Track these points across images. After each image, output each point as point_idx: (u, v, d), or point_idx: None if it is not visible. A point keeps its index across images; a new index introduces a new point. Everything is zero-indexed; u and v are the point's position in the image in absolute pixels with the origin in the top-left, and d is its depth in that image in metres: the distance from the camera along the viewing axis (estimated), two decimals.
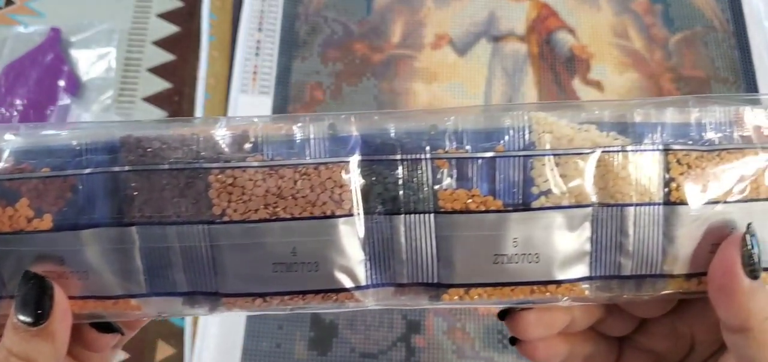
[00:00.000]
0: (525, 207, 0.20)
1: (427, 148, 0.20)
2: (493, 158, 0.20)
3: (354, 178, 0.20)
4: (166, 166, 0.20)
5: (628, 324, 0.25)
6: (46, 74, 0.51)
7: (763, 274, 0.20)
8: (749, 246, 0.20)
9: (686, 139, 0.20)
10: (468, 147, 0.20)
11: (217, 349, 0.42)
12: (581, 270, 0.21)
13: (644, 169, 0.20)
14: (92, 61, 0.53)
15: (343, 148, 0.20)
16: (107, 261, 0.20)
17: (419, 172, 0.20)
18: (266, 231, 0.20)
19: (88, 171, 0.20)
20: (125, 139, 0.20)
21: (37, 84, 0.51)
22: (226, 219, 0.20)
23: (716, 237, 0.21)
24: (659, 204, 0.20)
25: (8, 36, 0.53)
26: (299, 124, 0.21)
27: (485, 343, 0.43)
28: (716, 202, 0.20)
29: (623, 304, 0.24)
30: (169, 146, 0.20)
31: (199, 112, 0.50)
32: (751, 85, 0.52)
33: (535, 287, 0.21)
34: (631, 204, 0.20)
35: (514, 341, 0.24)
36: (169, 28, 0.54)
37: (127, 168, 0.20)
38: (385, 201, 0.20)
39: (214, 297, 0.21)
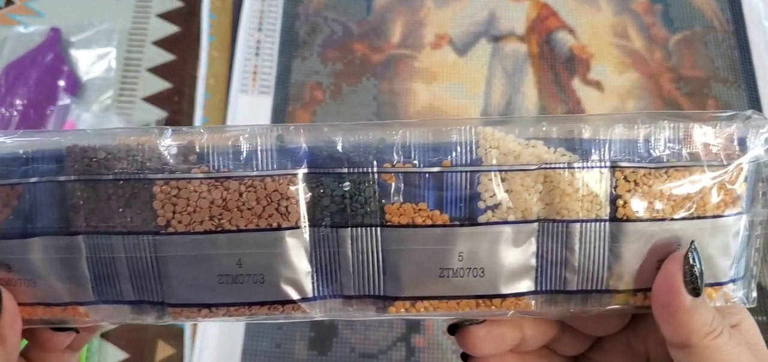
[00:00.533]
0: (471, 222, 0.20)
1: (375, 162, 0.20)
2: (440, 173, 0.20)
3: (301, 191, 0.20)
4: (111, 176, 0.20)
5: (582, 343, 0.25)
6: (46, 74, 0.51)
7: (706, 290, 0.20)
8: (692, 264, 0.20)
9: (634, 156, 0.21)
10: (415, 161, 0.20)
11: (217, 349, 0.42)
12: (527, 284, 0.21)
13: (591, 185, 0.20)
14: (92, 61, 0.53)
15: (291, 160, 0.20)
16: (54, 269, 0.21)
17: (366, 185, 0.20)
18: (211, 243, 0.20)
19: (34, 179, 0.20)
20: (71, 148, 0.20)
21: (37, 84, 0.51)
22: (171, 230, 0.20)
23: (661, 254, 0.21)
24: (606, 220, 0.21)
25: (8, 36, 0.53)
26: (246, 135, 0.20)
27: None
28: (662, 219, 0.21)
29: (576, 323, 0.24)
30: (114, 156, 0.20)
31: (199, 111, 0.50)
32: (751, 85, 0.52)
33: (480, 300, 0.21)
34: (576, 221, 0.20)
35: (465, 358, 0.24)
36: (169, 28, 0.54)
37: (73, 177, 0.20)
38: (332, 214, 0.21)
39: (160, 306, 0.21)
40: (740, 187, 0.21)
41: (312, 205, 0.20)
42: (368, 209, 0.20)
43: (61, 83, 0.51)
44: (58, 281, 0.21)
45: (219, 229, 0.20)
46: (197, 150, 0.20)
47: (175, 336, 0.43)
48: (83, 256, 0.21)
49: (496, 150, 0.20)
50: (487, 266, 0.21)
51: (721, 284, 0.21)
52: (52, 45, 0.52)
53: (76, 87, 0.51)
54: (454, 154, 0.20)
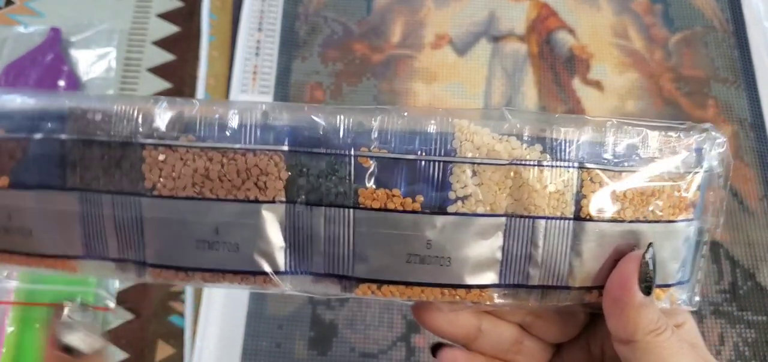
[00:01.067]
0: (441, 211, 0.21)
1: (352, 145, 0.21)
2: (414, 160, 0.21)
3: (280, 168, 0.21)
4: (105, 138, 0.21)
5: (543, 352, 0.26)
6: (46, 74, 0.51)
7: (655, 290, 0.21)
8: (647, 264, 0.21)
9: (600, 158, 0.21)
10: (392, 147, 0.21)
11: (217, 349, 0.43)
12: (491, 277, 0.22)
13: (558, 184, 0.21)
14: (92, 61, 0.53)
15: (273, 137, 0.21)
16: (50, 222, 0.22)
17: (343, 167, 0.21)
18: (192, 209, 0.21)
19: (38, 136, 0.21)
20: (73, 109, 0.21)
21: (37, 84, 0.51)
22: (155, 193, 0.21)
23: (619, 254, 0.22)
24: (570, 219, 0.21)
25: (8, 36, 0.53)
26: (233, 110, 0.21)
27: None
28: (622, 221, 0.21)
29: (536, 329, 0.25)
30: (110, 119, 0.21)
31: None
32: (751, 85, 0.52)
33: (445, 289, 0.22)
34: (542, 217, 0.21)
35: (434, 352, 0.25)
36: (169, 28, 0.54)
37: (73, 136, 0.21)
38: (308, 192, 0.21)
39: (141, 265, 0.22)
40: (693, 195, 0.22)
41: (289, 182, 0.21)
42: (342, 190, 0.21)
43: (62, 83, 0.51)
44: (52, 233, 0.22)
45: (200, 196, 0.21)
46: (187, 119, 0.21)
47: (175, 336, 0.43)
48: (76, 212, 0.22)
49: (470, 142, 0.21)
50: (453, 256, 0.21)
51: (668, 286, 0.22)
52: (52, 45, 0.52)
53: (76, 87, 0.51)
54: (429, 143, 0.21)
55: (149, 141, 0.21)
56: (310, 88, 0.51)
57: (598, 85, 0.52)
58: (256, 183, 0.21)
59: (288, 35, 0.53)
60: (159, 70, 0.53)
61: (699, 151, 0.22)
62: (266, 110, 0.21)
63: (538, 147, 0.21)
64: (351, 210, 0.21)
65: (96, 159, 0.21)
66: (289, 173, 0.21)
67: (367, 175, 0.21)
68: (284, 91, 0.51)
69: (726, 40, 0.54)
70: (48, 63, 0.51)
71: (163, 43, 0.54)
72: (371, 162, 0.21)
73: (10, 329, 0.42)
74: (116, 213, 0.21)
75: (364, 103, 0.50)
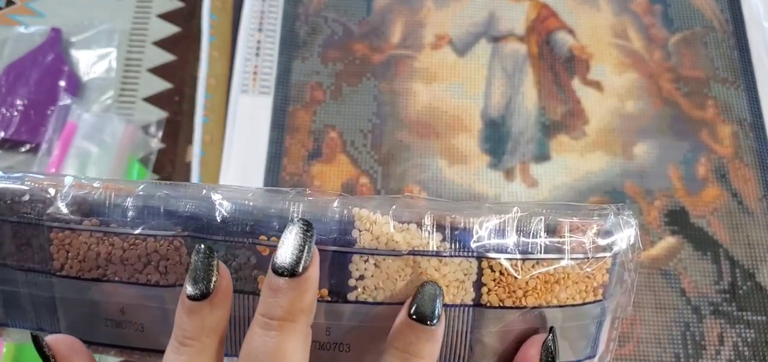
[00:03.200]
0: (342, 299, 0.21)
1: (252, 233, 0.21)
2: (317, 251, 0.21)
3: (181, 253, 0.21)
4: (15, 219, 0.22)
5: None
6: (46, 74, 0.51)
7: None
8: (549, 348, 0.21)
9: (501, 247, 0.21)
10: None
11: None
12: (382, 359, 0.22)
13: (457, 273, 0.21)
14: (93, 62, 0.53)
15: (173, 222, 0.21)
16: None
17: (241, 254, 0.21)
18: (98, 290, 0.22)
19: None
20: None
21: (38, 84, 0.51)
22: (64, 273, 0.22)
23: (522, 336, 0.22)
24: (470, 306, 0.21)
25: (9, 36, 0.53)
26: (134, 196, 0.22)
27: None
28: (524, 307, 0.22)
29: None
30: (19, 200, 0.22)
31: (199, 112, 0.50)
32: (750, 85, 0.52)
33: None
34: (442, 305, 0.21)
35: None
36: (170, 29, 0.54)
37: None
38: None
39: (56, 334, 0.23)
40: (602, 278, 0.22)
41: (188, 267, 0.22)
42: (241, 276, 0.21)
43: (62, 83, 0.51)
44: None
45: (105, 278, 0.22)
46: (90, 202, 0.22)
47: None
48: None
49: (368, 233, 0.21)
50: (353, 342, 0.22)
51: (578, 361, 0.23)
52: (53, 45, 0.52)
53: (76, 87, 0.51)
54: (330, 232, 0.21)
55: (55, 224, 0.22)
56: (311, 88, 0.51)
57: (597, 85, 0.52)
58: (156, 268, 0.21)
59: (288, 35, 0.53)
60: (159, 71, 0.53)
61: (609, 233, 0.22)
62: (167, 194, 0.22)
63: (438, 236, 0.21)
64: (251, 296, 0.21)
65: (9, 237, 0.22)
66: (189, 258, 0.21)
67: (266, 263, 0.21)
68: (285, 91, 0.51)
69: (725, 41, 0.54)
70: (48, 63, 0.51)
71: (164, 44, 0.54)
72: (269, 250, 0.21)
73: None
74: (31, 289, 0.22)
75: (364, 103, 0.51)
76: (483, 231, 0.21)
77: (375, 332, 0.21)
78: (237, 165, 0.48)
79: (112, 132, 0.48)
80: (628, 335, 0.44)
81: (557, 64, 0.52)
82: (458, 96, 0.51)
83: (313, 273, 0.20)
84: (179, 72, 0.53)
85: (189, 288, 0.20)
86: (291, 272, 0.19)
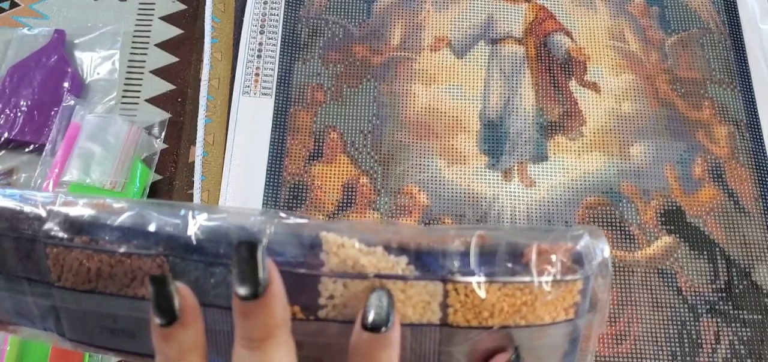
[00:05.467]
0: (314, 316, 0.22)
1: (226, 254, 0.22)
2: (287, 272, 0.22)
3: (164, 269, 0.23)
4: (15, 235, 0.24)
5: None
6: (50, 76, 0.52)
7: None
8: None
9: (466, 269, 0.22)
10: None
11: None
12: None
13: (423, 295, 0.22)
14: (96, 63, 0.53)
15: (153, 243, 0.23)
16: None
17: (218, 273, 0.22)
18: (91, 301, 0.23)
19: None
20: None
21: (42, 85, 0.51)
22: (60, 285, 0.23)
23: (490, 354, 0.22)
24: (437, 325, 0.22)
25: (12, 38, 0.53)
26: (119, 215, 0.23)
27: None
28: (491, 327, 0.22)
29: None
30: (18, 217, 0.24)
31: (201, 113, 0.51)
32: (746, 86, 0.53)
33: None
34: (409, 324, 0.22)
35: None
36: (172, 31, 0.55)
37: None
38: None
39: (62, 336, 0.25)
40: (574, 298, 0.22)
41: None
42: (218, 293, 0.22)
43: (66, 85, 0.51)
44: None
45: (97, 291, 0.23)
46: (81, 221, 0.23)
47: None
48: (5, 288, 0.24)
49: (336, 256, 0.22)
50: (325, 357, 0.23)
51: None
52: (57, 47, 0.53)
53: (80, 88, 0.52)
54: (301, 254, 0.22)
55: (50, 241, 0.23)
56: (312, 90, 0.52)
57: (594, 86, 0.52)
58: (142, 284, 0.23)
59: (289, 38, 0.54)
60: (162, 72, 0.53)
61: (579, 255, 0.22)
62: (149, 214, 0.23)
63: (404, 259, 0.22)
64: (228, 312, 0.22)
65: (12, 250, 0.24)
66: (172, 275, 0.23)
67: None
68: (286, 92, 0.51)
69: (722, 42, 0.54)
70: (52, 64, 0.52)
71: (167, 46, 0.54)
72: None
73: None
74: (35, 297, 0.24)
75: (364, 105, 0.51)
76: (448, 254, 0.22)
77: (345, 348, 0.22)
78: (239, 165, 0.49)
79: (115, 133, 0.48)
80: (624, 333, 0.44)
81: (555, 65, 0.53)
82: (457, 97, 0.52)
83: (277, 288, 0.21)
84: (182, 74, 0.53)
85: (157, 319, 0.21)
86: (254, 295, 0.20)
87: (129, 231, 0.23)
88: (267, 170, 0.49)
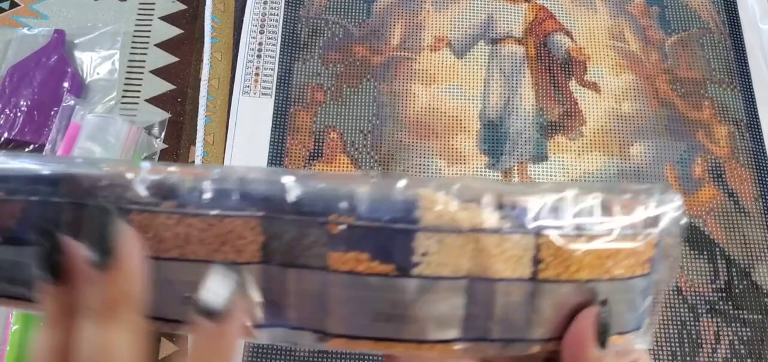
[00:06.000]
0: (406, 274, 0.22)
1: (322, 213, 0.22)
2: (380, 228, 0.22)
3: (256, 232, 0.22)
4: (95, 202, 0.23)
5: None
6: (50, 76, 0.52)
7: (612, 337, 0.23)
8: (602, 320, 0.22)
9: (557, 224, 0.23)
10: (360, 214, 0.22)
11: None
12: (453, 333, 0.23)
13: (516, 249, 0.22)
14: (96, 63, 0.53)
15: (249, 203, 0.22)
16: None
17: (312, 233, 0.22)
18: (176, 269, 0.23)
19: (34, 198, 0.23)
20: (64, 175, 0.23)
21: (42, 85, 0.51)
22: (156, 254, 0.23)
23: (575, 308, 0.23)
24: (527, 280, 0.23)
25: (13, 38, 0.53)
26: (212, 177, 0.23)
27: None
28: (578, 281, 0.23)
29: None
30: (98, 185, 0.23)
31: (201, 113, 0.51)
32: (746, 86, 0.53)
33: (410, 344, 0.23)
34: (501, 279, 0.22)
35: None
36: (172, 31, 0.55)
37: (67, 199, 0.23)
38: (282, 254, 0.23)
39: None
40: (649, 254, 0.23)
41: (264, 246, 0.23)
42: (312, 253, 0.22)
43: (66, 85, 0.51)
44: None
45: (183, 257, 0.22)
46: (168, 185, 0.23)
47: (179, 334, 0.44)
48: None
49: (431, 211, 0.22)
50: (418, 315, 0.22)
51: (625, 333, 0.24)
52: (57, 47, 0.53)
53: (80, 88, 0.52)
54: (394, 211, 0.22)
55: (134, 207, 0.22)
56: (312, 90, 0.52)
57: (594, 86, 0.52)
58: (233, 247, 0.22)
59: (289, 37, 0.54)
60: (162, 72, 0.53)
61: (655, 210, 0.23)
62: (242, 176, 0.23)
63: (497, 214, 0.22)
64: (320, 272, 0.22)
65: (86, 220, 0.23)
66: (264, 237, 0.22)
67: (336, 241, 0.22)
68: (286, 92, 0.51)
69: (722, 42, 0.54)
70: (52, 64, 0.52)
71: (167, 46, 0.54)
72: (339, 228, 0.22)
73: (14, 327, 0.43)
74: None
75: (364, 105, 0.51)
76: (540, 209, 0.23)
77: (439, 305, 0.22)
78: (239, 165, 0.49)
79: (115, 133, 0.48)
80: None
81: (555, 65, 0.53)
82: (457, 97, 0.52)
83: (129, 263, 0.20)
84: (182, 73, 0.53)
85: (93, 254, 0.20)
86: (98, 262, 0.20)
87: (220, 195, 0.22)
88: None
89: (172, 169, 0.23)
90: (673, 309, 0.45)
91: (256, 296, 0.23)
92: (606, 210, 0.23)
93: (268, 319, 0.23)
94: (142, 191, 0.22)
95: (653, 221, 0.23)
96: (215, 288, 0.22)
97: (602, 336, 0.22)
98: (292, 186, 0.23)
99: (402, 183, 0.23)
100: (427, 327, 0.23)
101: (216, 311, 0.21)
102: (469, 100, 0.52)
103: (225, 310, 0.21)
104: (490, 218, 0.22)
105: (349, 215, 0.22)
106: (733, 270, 0.46)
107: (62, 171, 0.23)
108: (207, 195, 0.22)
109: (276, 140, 0.50)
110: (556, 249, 0.22)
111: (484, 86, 0.52)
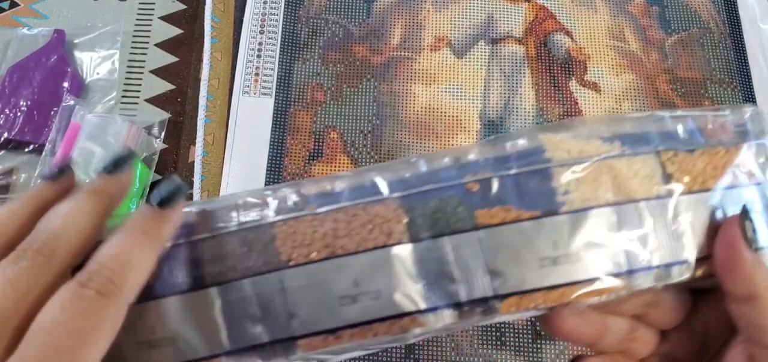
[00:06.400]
0: (555, 213, 0.22)
1: (456, 177, 0.23)
2: (517, 174, 0.22)
3: (399, 213, 0.23)
4: (235, 226, 0.22)
5: (654, 339, 0.27)
6: (50, 76, 0.52)
7: (759, 252, 0.23)
8: (747, 222, 0.23)
9: (672, 143, 0.24)
10: (493, 169, 0.23)
11: None
12: (611, 265, 0.23)
13: (645, 169, 0.23)
14: (96, 63, 0.53)
15: (385, 188, 0.23)
16: (191, 324, 0.22)
17: (454, 197, 0.22)
18: (329, 268, 0.22)
19: (168, 244, 0.23)
20: (199, 212, 0.23)
21: (41, 85, 0.51)
22: (292, 263, 0.22)
23: (715, 223, 0.23)
24: (665, 196, 0.23)
25: (12, 38, 0.53)
26: (343, 179, 0.23)
27: (483, 341, 0.44)
28: (709, 190, 0.23)
29: (650, 318, 0.26)
30: (236, 210, 0.23)
31: (201, 113, 0.51)
32: (747, 86, 0.53)
33: (581, 286, 0.22)
34: (643, 199, 0.23)
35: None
36: (172, 31, 0.55)
37: (204, 235, 0.23)
38: (429, 228, 0.22)
39: (289, 342, 0.22)
40: (754, 163, 0.24)
41: (410, 224, 0.22)
42: (461, 217, 0.22)
43: (66, 84, 0.51)
44: (196, 336, 0.22)
45: (333, 255, 0.22)
46: (304, 195, 0.23)
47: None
48: (216, 306, 0.22)
49: (561, 150, 0.23)
50: (577, 252, 0.22)
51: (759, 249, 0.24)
52: (56, 47, 0.53)
53: (80, 88, 0.52)
54: (525, 158, 0.23)
55: (279, 218, 0.22)
56: (312, 90, 0.52)
57: (594, 86, 0.52)
58: (381, 231, 0.22)
59: (289, 37, 0.54)
60: (162, 72, 0.53)
61: (744, 125, 0.24)
62: (368, 174, 0.23)
63: (617, 142, 0.23)
64: (473, 231, 0.22)
65: (228, 250, 0.22)
66: (408, 215, 0.22)
67: (478, 199, 0.22)
68: (286, 92, 0.51)
69: (722, 42, 0.54)
70: (52, 64, 0.52)
71: (166, 45, 0.54)
72: (479, 184, 0.22)
73: None
74: (258, 293, 0.22)
75: (364, 105, 0.51)
76: (652, 132, 0.24)
77: (597, 236, 0.23)
78: (239, 165, 0.49)
79: (115, 133, 0.48)
80: None
81: (555, 65, 0.53)
82: (457, 97, 0.52)
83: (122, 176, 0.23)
84: (181, 73, 0.53)
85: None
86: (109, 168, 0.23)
87: (358, 188, 0.23)
88: (267, 170, 0.49)
89: (308, 181, 0.23)
90: None
91: (414, 277, 0.22)
92: (708, 126, 0.24)
93: (433, 301, 0.22)
94: (279, 205, 0.23)
95: (747, 133, 0.24)
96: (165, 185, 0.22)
97: (751, 239, 0.22)
98: (421, 163, 0.23)
99: (523, 133, 0.23)
100: (590, 265, 0.22)
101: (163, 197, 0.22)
102: (469, 99, 0.52)
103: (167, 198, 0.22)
104: (611, 148, 0.23)
105: (484, 171, 0.23)
106: None
107: (195, 210, 0.23)
108: (346, 193, 0.23)
109: (276, 140, 0.50)
110: (679, 162, 0.23)
111: (485, 86, 0.52)
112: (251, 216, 0.22)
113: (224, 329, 0.22)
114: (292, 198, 0.23)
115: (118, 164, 0.23)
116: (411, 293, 0.22)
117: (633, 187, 0.23)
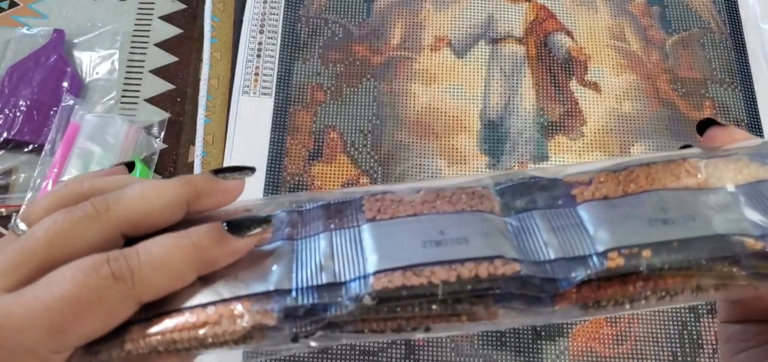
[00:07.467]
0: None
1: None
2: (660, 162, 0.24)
3: (492, 197, 0.24)
4: (326, 201, 0.24)
5: None
6: (49, 75, 0.52)
7: None
8: None
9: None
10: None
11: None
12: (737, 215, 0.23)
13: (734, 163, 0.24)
14: (96, 63, 0.53)
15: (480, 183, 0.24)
16: (276, 263, 0.23)
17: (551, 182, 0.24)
18: (413, 222, 0.22)
19: (308, 206, 0.25)
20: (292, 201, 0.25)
21: (41, 85, 0.51)
22: (377, 219, 0.23)
23: None
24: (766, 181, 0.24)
25: (12, 37, 0.53)
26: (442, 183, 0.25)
27: (483, 341, 0.44)
28: None
29: None
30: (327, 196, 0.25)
31: (201, 113, 0.51)
32: (747, 86, 0.52)
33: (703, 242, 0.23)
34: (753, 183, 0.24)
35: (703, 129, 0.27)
36: (172, 30, 0.55)
37: (289, 209, 0.24)
38: (521, 211, 0.23)
39: (363, 279, 0.22)
40: None
41: (503, 205, 0.23)
42: (555, 194, 0.23)
43: (65, 84, 0.51)
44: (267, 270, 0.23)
45: (423, 213, 0.23)
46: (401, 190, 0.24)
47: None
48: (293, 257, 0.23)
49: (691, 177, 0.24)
50: (700, 209, 0.23)
51: None
52: (56, 46, 0.53)
53: (79, 88, 0.52)
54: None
55: (368, 194, 0.24)
56: (312, 90, 0.51)
57: (595, 86, 0.52)
58: (473, 195, 0.23)
59: (289, 37, 0.53)
60: (162, 72, 0.53)
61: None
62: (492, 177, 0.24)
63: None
64: (571, 208, 0.23)
65: (315, 216, 0.24)
66: (501, 201, 0.23)
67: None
68: (286, 92, 0.51)
69: (723, 42, 0.54)
70: (51, 64, 0.52)
71: (166, 45, 0.54)
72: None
73: None
74: (337, 241, 0.23)
75: (364, 104, 0.51)
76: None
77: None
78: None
79: (114, 132, 0.48)
80: (625, 334, 0.44)
81: (555, 65, 0.53)
82: (457, 97, 0.52)
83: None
84: (181, 73, 0.53)
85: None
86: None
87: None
88: (267, 170, 0.49)
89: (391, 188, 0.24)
90: (673, 310, 0.45)
91: (506, 238, 0.22)
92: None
93: (529, 269, 0.22)
94: (372, 188, 0.24)
95: None
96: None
97: None
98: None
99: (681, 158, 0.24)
100: (712, 218, 0.22)
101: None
102: (469, 99, 0.51)
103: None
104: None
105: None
106: None
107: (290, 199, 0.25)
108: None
109: (276, 140, 0.50)
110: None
111: (485, 86, 0.52)
112: (343, 197, 0.24)
113: (287, 270, 0.22)
114: (382, 188, 0.24)
115: (230, 170, 0.24)
116: (500, 244, 0.22)
117: (723, 173, 0.24)
